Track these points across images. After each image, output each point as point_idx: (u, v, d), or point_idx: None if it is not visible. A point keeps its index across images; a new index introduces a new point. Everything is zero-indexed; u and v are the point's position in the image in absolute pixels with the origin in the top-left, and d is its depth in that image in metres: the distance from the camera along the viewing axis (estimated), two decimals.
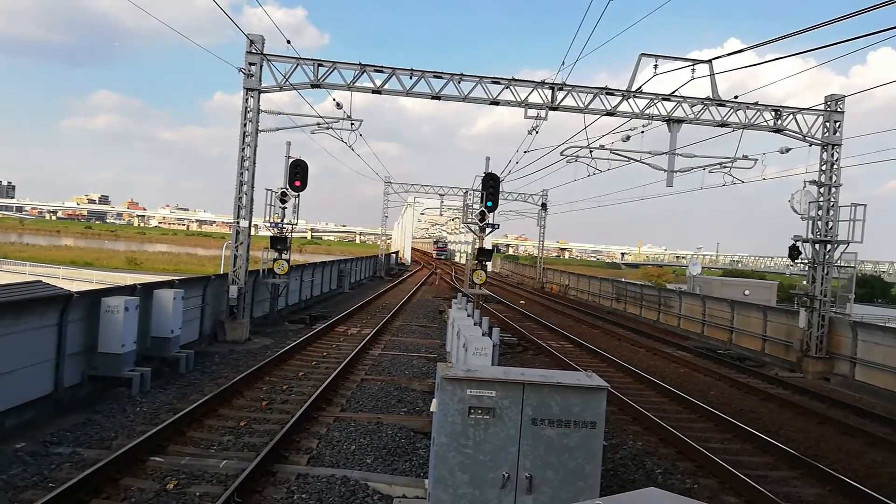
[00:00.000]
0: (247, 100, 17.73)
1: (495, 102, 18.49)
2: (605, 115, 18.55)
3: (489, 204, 21.99)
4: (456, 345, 11.94)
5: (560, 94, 18.34)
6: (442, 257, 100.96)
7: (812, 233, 18.61)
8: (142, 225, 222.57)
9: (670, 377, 15.94)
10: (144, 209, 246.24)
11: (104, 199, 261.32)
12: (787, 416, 12.84)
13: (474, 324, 12.46)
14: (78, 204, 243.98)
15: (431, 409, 5.48)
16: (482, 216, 23.02)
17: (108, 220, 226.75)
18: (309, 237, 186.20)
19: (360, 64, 18.09)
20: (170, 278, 16.60)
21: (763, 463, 9.67)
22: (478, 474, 5.31)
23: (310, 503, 6.81)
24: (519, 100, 18.37)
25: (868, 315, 27.69)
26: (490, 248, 24.45)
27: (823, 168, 18.84)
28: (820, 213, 18.55)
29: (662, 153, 19.26)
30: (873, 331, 17.06)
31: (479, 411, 5.30)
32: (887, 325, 19.68)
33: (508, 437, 5.31)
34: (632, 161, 20.66)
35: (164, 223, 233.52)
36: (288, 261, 19.76)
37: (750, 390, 15.21)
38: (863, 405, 14.06)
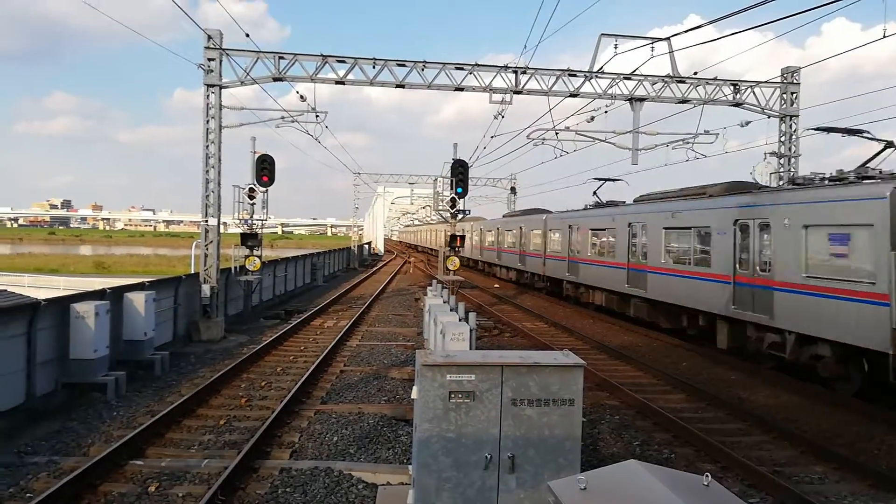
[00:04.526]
0: (208, 96, 17.45)
1: (460, 88, 18.53)
2: (569, 96, 18.71)
3: (459, 190, 22.02)
4: (433, 331, 12.00)
5: (524, 78, 18.43)
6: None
7: None
8: (107, 228, 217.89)
9: (643, 351, 16.24)
10: (109, 212, 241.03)
11: (66, 204, 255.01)
12: (755, 384, 13.17)
13: (450, 309, 12.53)
14: (43, 209, 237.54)
15: (412, 396, 5.53)
16: (453, 202, 23.05)
17: (72, 225, 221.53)
18: (280, 232, 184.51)
19: (321, 55, 17.93)
20: (140, 280, 16.34)
21: (736, 429, 9.95)
22: (461, 457, 5.38)
23: (294, 496, 6.84)
24: (483, 85, 18.42)
25: None
26: (462, 233, 24.51)
27: (783, 139, 19.31)
28: (781, 183, 18.95)
29: (626, 132, 19.51)
30: None
31: (460, 395, 5.36)
32: None
33: (489, 419, 5.39)
34: (597, 141, 20.88)
35: (131, 225, 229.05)
36: (260, 257, 19.58)
37: (718, 362, 15.55)
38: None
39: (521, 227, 31.32)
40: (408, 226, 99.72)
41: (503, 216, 39.34)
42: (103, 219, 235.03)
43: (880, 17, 12.51)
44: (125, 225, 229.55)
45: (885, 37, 12.68)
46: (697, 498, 2.97)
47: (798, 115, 19.23)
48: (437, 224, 60.41)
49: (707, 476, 3.15)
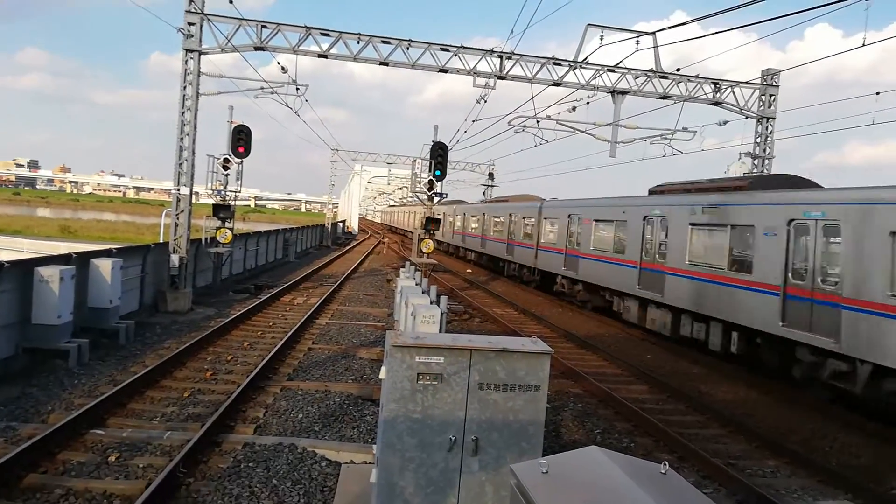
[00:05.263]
0: (186, 62, 17.07)
1: (444, 70, 18.41)
2: (552, 85, 18.73)
3: (437, 173, 21.99)
4: (404, 313, 12.00)
5: (508, 63, 18.39)
6: None
7: None
8: (75, 192, 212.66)
9: (609, 342, 16.48)
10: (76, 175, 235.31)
11: (33, 164, 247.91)
12: (715, 378, 13.47)
13: (422, 292, 12.53)
14: (7, 169, 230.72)
15: (380, 377, 5.54)
16: (430, 185, 23.00)
17: (38, 187, 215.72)
18: (253, 205, 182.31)
19: (305, 27, 17.64)
20: (107, 247, 16.05)
21: (695, 422, 10.19)
22: (425, 438, 5.41)
23: (257, 471, 6.82)
24: (468, 68, 18.33)
25: None
26: (438, 216, 24.51)
27: (758, 140, 19.63)
28: None
29: (606, 124, 19.64)
30: None
31: (428, 377, 5.38)
32: None
33: (455, 401, 5.42)
34: (577, 131, 20.98)
35: (99, 190, 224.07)
36: (231, 229, 19.33)
37: (681, 355, 15.86)
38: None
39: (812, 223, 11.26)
40: (392, 205, 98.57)
41: (652, 192, 18.12)
42: (71, 182, 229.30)
43: (862, 25, 12.72)
44: (94, 189, 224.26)
45: (864, 45, 12.91)
46: (654, 485, 3.04)
47: (775, 118, 19.56)
48: (441, 206, 42.60)
49: (665, 465, 3.22)
